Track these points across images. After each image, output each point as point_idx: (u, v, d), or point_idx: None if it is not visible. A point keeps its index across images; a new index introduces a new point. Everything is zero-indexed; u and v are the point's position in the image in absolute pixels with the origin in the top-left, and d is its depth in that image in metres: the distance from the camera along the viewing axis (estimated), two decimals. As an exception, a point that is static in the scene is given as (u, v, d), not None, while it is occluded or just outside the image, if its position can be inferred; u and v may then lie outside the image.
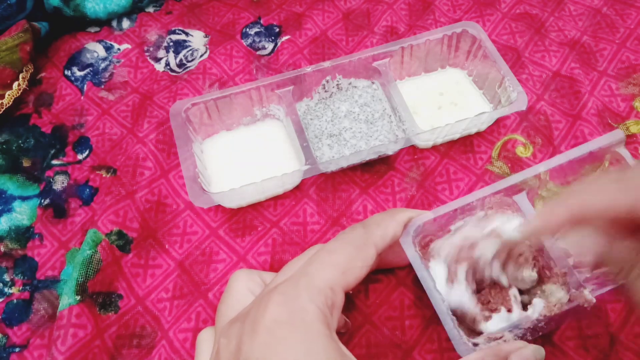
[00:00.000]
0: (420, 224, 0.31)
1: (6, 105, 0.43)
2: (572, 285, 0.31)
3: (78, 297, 0.34)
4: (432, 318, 0.35)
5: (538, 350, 0.28)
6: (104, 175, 0.41)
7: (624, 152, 0.34)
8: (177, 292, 0.36)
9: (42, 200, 0.40)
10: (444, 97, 0.44)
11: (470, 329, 0.31)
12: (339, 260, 0.27)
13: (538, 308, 0.30)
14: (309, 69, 0.41)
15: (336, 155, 0.40)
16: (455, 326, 0.29)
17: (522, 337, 0.30)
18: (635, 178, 0.25)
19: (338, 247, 0.28)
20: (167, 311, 0.36)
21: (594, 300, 0.30)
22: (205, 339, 0.30)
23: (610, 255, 0.26)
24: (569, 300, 0.30)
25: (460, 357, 0.28)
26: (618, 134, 0.33)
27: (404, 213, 0.32)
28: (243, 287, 0.30)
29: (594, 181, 0.26)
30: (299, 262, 0.30)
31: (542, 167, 0.33)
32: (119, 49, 0.48)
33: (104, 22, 0.50)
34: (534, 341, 0.31)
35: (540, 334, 0.31)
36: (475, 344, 0.29)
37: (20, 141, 0.43)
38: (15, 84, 0.44)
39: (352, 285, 0.28)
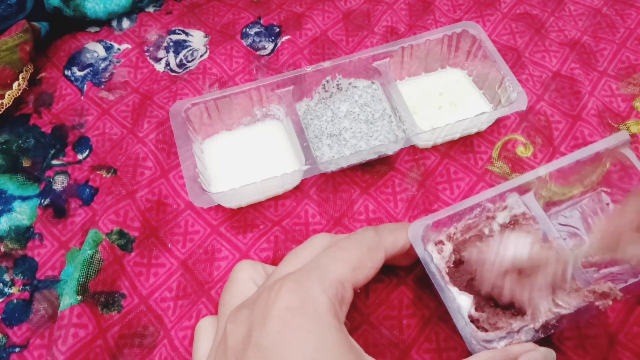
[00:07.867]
0: (429, 224, 0.32)
1: (6, 105, 0.43)
2: (584, 285, 0.31)
3: (79, 297, 0.34)
4: (430, 317, 0.35)
5: (548, 353, 0.27)
6: (104, 175, 0.41)
7: (629, 153, 0.33)
8: (180, 292, 0.36)
9: (42, 200, 0.40)
10: (444, 97, 0.44)
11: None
12: (350, 257, 0.28)
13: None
14: (309, 69, 0.41)
15: (336, 155, 0.40)
16: (468, 323, 0.29)
17: (535, 333, 0.30)
18: None
19: (350, 245, 0.29)
20: (171, 311, 0.36)
21: (620, 294, 0.29)
22: (205, 328, 0.30)
23: None
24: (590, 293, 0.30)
25: (461, 357, 0.28)
26: (623, 135, 0.33)
27: None
28: (246, 277, 0.30)
29: None
30: (303, 251, 0.30)
31: (547, 169, 0.33)
32: (119, 49, 0.48)
33: (104, 22, 0.50)
34: (544, 341, 0.31)
35: (552, 331, 0.31)
36: (487, 341, 0.29)
37: (20, 141, 0.43)
38: (15, 84, 0.44)
39: (361, 284, 0.28)
